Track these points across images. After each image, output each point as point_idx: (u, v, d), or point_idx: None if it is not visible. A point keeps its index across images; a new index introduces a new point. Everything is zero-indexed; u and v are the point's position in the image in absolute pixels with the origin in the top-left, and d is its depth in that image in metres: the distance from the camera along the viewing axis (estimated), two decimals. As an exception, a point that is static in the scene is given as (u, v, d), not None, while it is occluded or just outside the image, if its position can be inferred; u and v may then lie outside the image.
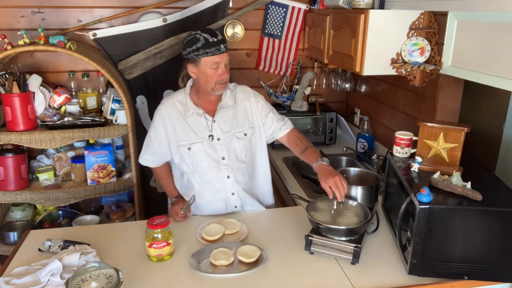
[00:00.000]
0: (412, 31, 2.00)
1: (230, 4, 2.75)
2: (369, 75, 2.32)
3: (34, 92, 2.36)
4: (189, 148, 1.89)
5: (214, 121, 1.89)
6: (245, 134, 1.94)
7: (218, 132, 1.89)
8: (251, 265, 1.54)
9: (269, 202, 2.12)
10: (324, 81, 3.08)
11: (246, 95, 1.98)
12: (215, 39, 1.76)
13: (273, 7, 2.84)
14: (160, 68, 2.70)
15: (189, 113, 1.88)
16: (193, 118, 1.89)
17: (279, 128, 2.02)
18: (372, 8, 2.08)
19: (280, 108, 2.91)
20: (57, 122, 2.36)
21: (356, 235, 1.59)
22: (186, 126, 1.89)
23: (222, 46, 1.77)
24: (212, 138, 1.89)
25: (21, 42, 2.23)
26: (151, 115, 2.80)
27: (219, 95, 1.90)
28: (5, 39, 2.22)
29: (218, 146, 1.90)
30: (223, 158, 1.91)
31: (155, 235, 1.54)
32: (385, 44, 2.00)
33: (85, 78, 2.63)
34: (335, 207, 1.70)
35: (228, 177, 1.93)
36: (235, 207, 1.99)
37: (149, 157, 2.01)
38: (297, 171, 2.46)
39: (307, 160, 1.91)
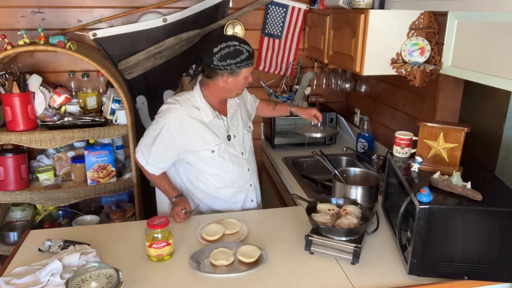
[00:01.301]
0: (412, 31, 2.00)
1: (230, 4, 2.75)
2: (369, 75, 2.32)
3: (34, 92, 2.36)
4: (212, 151, 1.90)
5: (228, 121, 1.96)
6: (250, 127, 2.10)
7: (233, 130, 1.98)
8: (251, 265, 1.54)
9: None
10: (324, 81, 3.08)
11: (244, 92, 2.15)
12: (251, 50, 1.82)
13: (273, 7, 2.84)
14: (160, 68, 2.70)
15: (210, 118, 1.88)
16: (213, 122, 1.90)
17: (254, 100, 2.28)
18: (372, 8, 2.08)
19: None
20: (57, 122, 2.36)
21: (356, 235, 1.59)
22: (207, 130, 1.88)
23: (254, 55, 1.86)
24: (230, 138, 1.96)
25: (21, 42, 2.23)
26: (151, 115, 2.80)
27: None
28: (5, 39, 2.22)
29: (236, 143, 1.99)
30: (242, 153, 2.02)
31: (155, 235, 1.54)
32: (385, 44, 2.00)
33: (85, 78, 2.63)
34: (319, 125, 2.20)
35: (248, 170, 2.05)
36: (252, 200, 2.10)
37: (162, 165, 1.93)
38: (297, 171, 2.46)
39: (282, 111, 2.28)
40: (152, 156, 1.89)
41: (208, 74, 1.83)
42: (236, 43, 1.77)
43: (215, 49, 1.75)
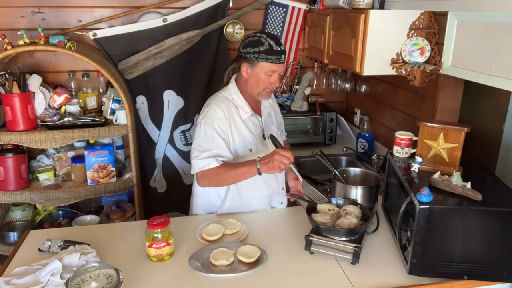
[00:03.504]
0: (412, 31, 2.00)
1: (230, 4, 2.75)
2: (369, 75, 2.32)
3: (34, 92, 2.36)
4: (250, 150, 1.89)
5: (262, 121, 1.96)
6: (282, 130, 2.12)
7: (267, 131, 1.97)
8: (251, 265, 1.53)
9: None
10: (324, 81, 3.09)
11: (273, 99, 2.12)
12: (279, 48, 1.76)
13: (273, 7, 2.84)
14: (160, 68, 2.70)
15: (248, 115, 1.88)
16: (250, 120, 1.90)
17: (281, 135, 2.14)
18: (372, 8, 2.08)
19: (280, 108, 2.89)
20: (57, 122, 2.36)
21: (356, 235, 1.59)
22: (246, 128, 1.88)
23: (282, 56, 1.78)
24: (265, 137, 1.95)
25: (21, 42, 2.23)
26: (151, 115, 2.80)
27: None
28: (5, 39, 2.22)
29: (269, 143, 1.93)
30: None
31: (155, 235, 1.54)
32: (385, 44, 2.01)
33: (85, 78, 2.63)
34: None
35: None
36: (281, 203, 2.06)
37: (226, 155, 1.83)
38: (297, 171, 2.45)
39: None
40: (215, 158, 1.79)
41: (235, 61, 1.87)
42: (264, 35, 1.78)
43: (244, 38, 1.82)
